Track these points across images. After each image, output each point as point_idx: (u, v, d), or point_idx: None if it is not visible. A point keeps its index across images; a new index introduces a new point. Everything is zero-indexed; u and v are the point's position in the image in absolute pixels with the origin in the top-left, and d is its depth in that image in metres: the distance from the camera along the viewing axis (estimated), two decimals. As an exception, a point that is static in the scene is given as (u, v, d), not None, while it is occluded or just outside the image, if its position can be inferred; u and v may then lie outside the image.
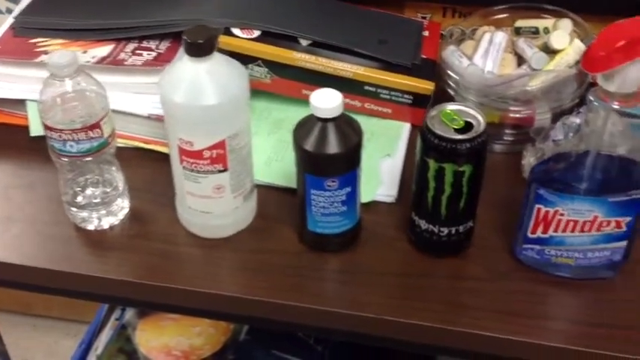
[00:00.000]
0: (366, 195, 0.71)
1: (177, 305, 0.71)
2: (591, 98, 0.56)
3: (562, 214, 0.60)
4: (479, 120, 0.61)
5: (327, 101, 0.60)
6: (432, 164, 0.61)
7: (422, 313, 0.63)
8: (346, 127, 0.62)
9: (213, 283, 0.66)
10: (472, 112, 0.61)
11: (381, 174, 0.74)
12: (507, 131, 0.78)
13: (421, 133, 0.61)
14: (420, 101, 0.77)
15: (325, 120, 0.61)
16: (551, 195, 0.59)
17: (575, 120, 0.69)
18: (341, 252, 0.68)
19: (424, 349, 0.68)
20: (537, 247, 0.63)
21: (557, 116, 0.73)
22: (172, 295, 0.67)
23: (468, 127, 0.60)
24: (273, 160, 0.76)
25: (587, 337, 0.62)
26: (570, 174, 0.58)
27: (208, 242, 0.69)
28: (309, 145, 0.61)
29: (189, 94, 0.60)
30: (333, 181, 0.62)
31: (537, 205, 0.61)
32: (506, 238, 0.67)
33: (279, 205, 0.72)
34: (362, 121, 0.80)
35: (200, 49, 0.59)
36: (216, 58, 0.60)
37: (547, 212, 0.60)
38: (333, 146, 0.61)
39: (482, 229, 0.69)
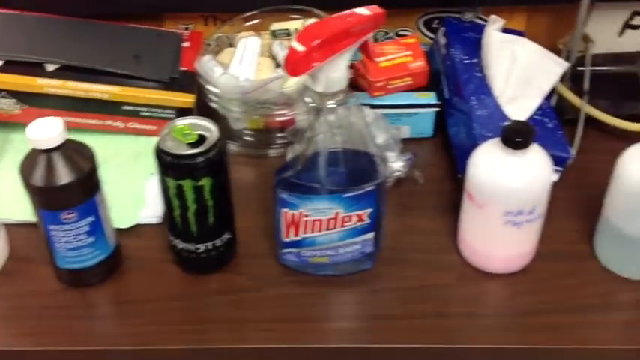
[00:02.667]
0: (128, 219, 0.69)
1: None
2: (307, 100, 0.56)
3: (307, 216, 0.60)
4: (212, 131, 0.59)
5: (45, 131, 0.56)
6: (171, 183, 0.59)
7: (199, 335, 0.61)
8: (74, 155, 0.58)
9: (-33, 340, 0.61)
10: (205, 124, 0.60)
11: (145, 195, 0.72)
12: (278, 135, 0.78)
13: (155, 153, 0.59)
14: (184, 115, 0.75)
15: (48, 151, 0.57)
16: (292, 198, 0.59)
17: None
18: (103, 284, 0.65)
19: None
20: (294, 249, 0.63)
21: (317, 115, 0.73)
22: None
23: (202, 140, 0.59)
24: (24, 195, 0.71)
25: (361, 332, 0.62)
26: (305, 176, 0.58)
27: (-45, 296, 0.64)
28: (36, 180, 0.57)
29: None
30: (69, 214, 0.59)
31: (283, 210, 0.60)
32: (272, 245, 0.67)
33: (34, 244, 0.67)
34: (129, 141, 0.78)
35: None
36: None
37: (293, 215, 0.60)
38: (61, 177, 0.57)
39: (249, 238, 0.68)
